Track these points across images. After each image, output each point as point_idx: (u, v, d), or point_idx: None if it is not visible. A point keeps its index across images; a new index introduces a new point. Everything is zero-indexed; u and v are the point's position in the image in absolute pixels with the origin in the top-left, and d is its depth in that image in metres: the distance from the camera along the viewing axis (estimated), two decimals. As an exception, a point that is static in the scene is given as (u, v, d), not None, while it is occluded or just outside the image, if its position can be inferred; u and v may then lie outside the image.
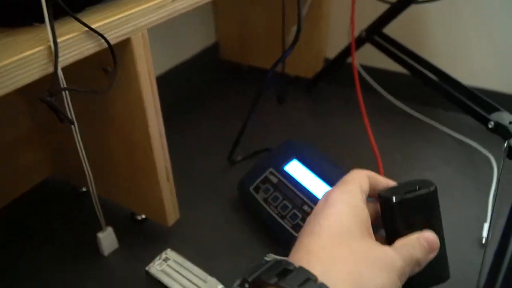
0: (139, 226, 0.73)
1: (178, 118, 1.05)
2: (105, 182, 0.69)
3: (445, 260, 0.44)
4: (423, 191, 0.38)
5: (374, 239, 0.35)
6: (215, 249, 0.69)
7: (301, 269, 0.30)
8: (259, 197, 0.71)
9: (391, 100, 1.04)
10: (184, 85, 1.19)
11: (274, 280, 0.30)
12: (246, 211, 0.76)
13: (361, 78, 1.07)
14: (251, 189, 0.73)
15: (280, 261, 0.32)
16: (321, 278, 0.30)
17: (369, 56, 1.06)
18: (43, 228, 0.73)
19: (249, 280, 0.31)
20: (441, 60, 0.90)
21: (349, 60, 0.94)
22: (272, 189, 0.70)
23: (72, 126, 0.52)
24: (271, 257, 0.65)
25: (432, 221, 0.40)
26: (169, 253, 0.61)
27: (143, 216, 0.73)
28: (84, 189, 0.79)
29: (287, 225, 0.66)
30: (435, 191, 0.39)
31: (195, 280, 0.58)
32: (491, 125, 0.60)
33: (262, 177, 0.72)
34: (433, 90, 0.69)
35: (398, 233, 0.37)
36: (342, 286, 0.30)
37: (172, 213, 0.65)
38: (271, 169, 0.72)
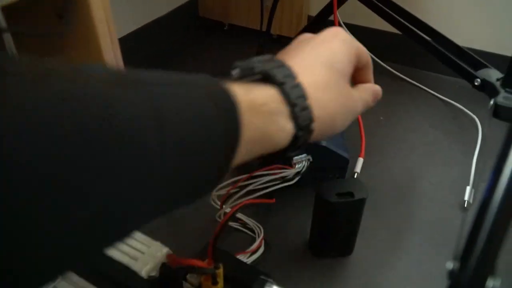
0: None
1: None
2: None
3: (354, 239, 0.58)
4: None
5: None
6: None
7: (301, 86, 0.32)
8: None
9: (375, 60, 1.00)
10: (161, 42, 1.14)
11: (281, 80, 0.31)
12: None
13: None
14: None
15: (283, 65, 0.33)
16: (310, 99, 0.32)
17: (353, 14, 1.01)
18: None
19: (256, 71, 0.32)
20: (428, 18, 0.86)
21: (332, 17, 0.90)
22: None
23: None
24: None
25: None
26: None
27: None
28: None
29: None
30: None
31: (138, 245, 0.53)
32: (477, 82, 0.57)
33: None
34: (419, 46, 0.65)
35: None
36: (322, 112, 0.33)
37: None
38: None
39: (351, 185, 0.52)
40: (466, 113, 0.87)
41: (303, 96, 0.32)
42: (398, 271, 0.57)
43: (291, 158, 0.57)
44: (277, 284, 0.43)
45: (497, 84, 0.55)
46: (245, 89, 0.30)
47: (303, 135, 0.33)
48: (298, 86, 0.33)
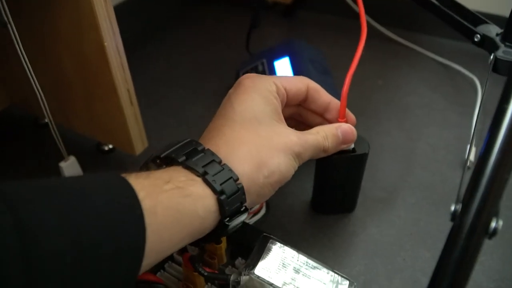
0: (106, 157, 0.69)
1: (147, 47, 0.99)
2: (65, 111, 0.64)
3: (356, 197, 0.58)
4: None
5: (285, 123, 0.38)
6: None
7: (208, 151, 0.32)
8: None
9: (373, 25, 0.99)
10: (153, 10, 1.12)
11: (182, 158, 0.31)
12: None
13: (342, 3, 1.01)
14: (240, 73, 0.75)
15: (191, 141, 0.34)
16: (225, 159, 0.32)
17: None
18: (1, 161, 0.69)
19: (161, 156, 0.32)
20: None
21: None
22: None
23: (9, 28, 0.46)
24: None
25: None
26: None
27: (110, 146, 0.69)
28: (46, 120, 0.73)
29: None
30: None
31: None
32: (477, 38, 0.56)
33: (253, 65, 0.74)
34: (417, 4, 0.64)
35: None
36: (242, 166, 0.33)
37: (139, 141, 0.61)
38: (263, 60, 0.73)
39: None
40: (465, 74, 0.86)
41: (212, 161, 0.31)
42: (397, 229, 0.58)
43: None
44: (280, 241, 0.43)
45: (497, 39, 0.54)
46: (145, 174, 0.29)
47: (230, 196, 0.31)
48: (204, 155, 0.31)
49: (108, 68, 0.51)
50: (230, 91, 0.39)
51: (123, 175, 0.28)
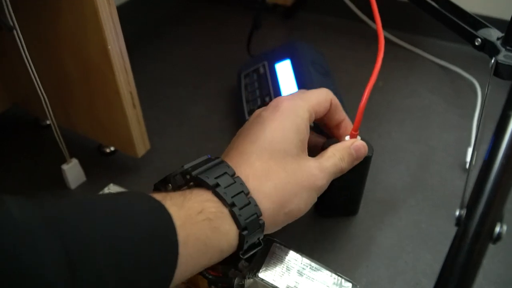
0: (108, 159, 0.69)
1: (148, 46, 0.99)
2: (68, 113, 0.64)
3: (359, 199, 0.57)
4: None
5: (307, 154, 0.38)
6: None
7: (238, 179, 0.32)
8: (243, 82, 0.74)
9: (374, 28, 0.99)
10: (155, 10, 1.12)
11: (213, 182, 0.31)
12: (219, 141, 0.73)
13: (343, 5, 1.01)
14: (242, 74, 0.76)
15: (222, 163, 0.34)
16: (252, 192, 0.32)
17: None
18: (2, 163, 0.69)
19: (192, 174, 0.32)
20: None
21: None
22: (255, 77, 0.72)
23: (15, 32, 0.46)
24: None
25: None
26: (112, 187, 0.57)
27: (112, 149, 0.69)
28: (48, 122, 0.74)
29: (246, 108, 0.69)
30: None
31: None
32: (478, 42, 0.56)
33: (254, 67, 0.74)
34: (418, 8, 0.64)
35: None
36: (267, 202, 0.33)
37: (141, 143, 0.61)
38: (264, 62, 0.73)
39: None
40: (465, 77, 0.87)
41: (241, 192, 0.31)
42: (399, 231, 0.58)
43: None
44: (283, 244, 0.43)
45: (498, 43, 0.54)
46: (180, 202, 0.29)
47: (251, 233, 0.32)
48: (235, 183, 0.31)
49: (111, 71, 0.51)
50: (264, 112, 0.38)
51: (156, 196, 0.28)
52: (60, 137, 0.57)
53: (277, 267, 0.40)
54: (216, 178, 0.31)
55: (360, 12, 1.01)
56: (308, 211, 0.60)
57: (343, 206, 0.58)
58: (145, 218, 0.26)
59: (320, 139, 0.47)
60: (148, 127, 0.61)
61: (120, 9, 0.51)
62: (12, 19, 0.45)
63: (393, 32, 0.99)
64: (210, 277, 0.41)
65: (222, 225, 0.30)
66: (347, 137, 0.44)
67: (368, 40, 0.99)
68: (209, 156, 0.35)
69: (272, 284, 0.39)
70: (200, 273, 0.41)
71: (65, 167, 0.60)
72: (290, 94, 0.41)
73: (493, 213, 0.28)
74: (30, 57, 0.49)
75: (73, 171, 0.61)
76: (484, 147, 0.38)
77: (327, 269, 0.42)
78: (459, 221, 0.29)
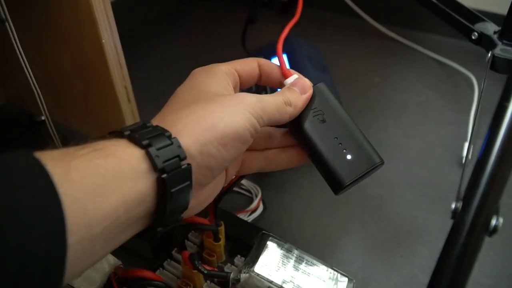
0: (103, 155, 0.69)
1: (143, 43, 0.98)
2: (63, 108, 0.64)
3: (370, 148, 0.41)
4: None
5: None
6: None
7: (158, 128, 0.27)
8: None
9: (370, 23, 0.99)
10: (151, 7, 1.11)
11: (125, 131, 0.26)
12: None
13: (341, 0, 1.01)
14: None
15: (140, 124, 0.28)
16: (171, 128, 0.27)
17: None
18: None
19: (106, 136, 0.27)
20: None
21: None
22: None
23: (7, 25, 0.45)
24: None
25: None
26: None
27: (107, 144, 0.69)
28: (43, 117, 0.73)
29: None
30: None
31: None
32: (474, 36, 0.56)
33: None
34: (415, 1, 0.64)
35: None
36: (190, 130, 0.28)
37: (136, 138, 0.60)
38: (261, 57, 0.70)
39: None
40: (461, 72, 0.87)
41: (160, 133, 0.26)
42: (395, 226, 0.58)
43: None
44: (279, 238, 0.43)
45: (494, 37, 0.54)
46: (58, 149, 0.24)
47: (163, 149, 0.26)
48: (151, 129, 0.27)
49: (105, 65, 0.51)
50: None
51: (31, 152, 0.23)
52: (55, 132, 0.57)
53: (273, 262, 0.40)
54: (131, 130, 0.27)
55: (356, 7, 1.01)
56: (302, 205, 0.61)
57: (352, 162, 0.41)
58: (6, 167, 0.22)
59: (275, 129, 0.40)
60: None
61: (116, 5, 0.50)
62: (4, 11, 0.45)
63: (390, 27, 0.99)
64: (206, 271, 0.40)
65: (117, 150, 0.25)
66: (285, 81, 0.39)
67: (364, 35, 0.99)
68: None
69: (267, 278, 0.38)
70: (196, 268, 0.41)
71: (60, 162, 0.59)
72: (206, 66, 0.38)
73: (489, 206, 0.28)
74: (24, 52, 0.49)
75: (68, 167, 0.60)
76: (481, 142, 0.38)
77: (323, 264, 0.42)
78: (455, 213, 0.29)
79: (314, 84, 0.40)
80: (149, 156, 0.25)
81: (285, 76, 0.39)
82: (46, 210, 0.20)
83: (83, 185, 0.22)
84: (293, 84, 0.37)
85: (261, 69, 0.39)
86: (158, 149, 0.25)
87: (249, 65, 0.38)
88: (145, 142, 0.25)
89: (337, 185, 0.40)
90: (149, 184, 0.25)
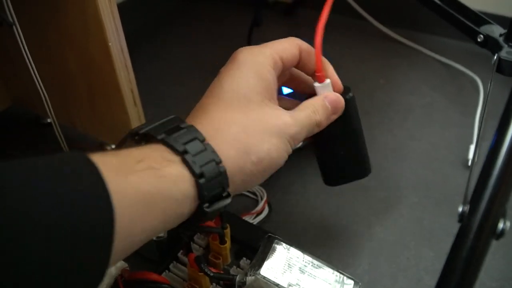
0: (109, 157, 0.69)
1: (148, 44, 0.98)
2: (69, 111, 0.64)
3: (365, 156, 0.48)
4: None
5: (277, 103, 0.35)
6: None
7: (191, 128, 0.29)
8: None
9: (375, 25, 0.99)
10: (155, 8, 1.12)
11: (161, 136, 0.28)
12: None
13: (343, 2, 1.01)
14: None
15: (175, 118, 0.31)
16: (209, 139, 0.29)
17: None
18: (3, 161, 0.68)
19: (140, 132, 0.29)
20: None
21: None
22: None
23: (14, 28, 0.46)
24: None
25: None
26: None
27: (113, 146, 0.69)
28: (49, 120, 0.73)
29: None
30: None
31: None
32: (480, 38, 0.56)
33: None
34: (421, 4, 0.64)
35: None
36: (228, 149, 0.30)
37: (142, 141, 0.61)
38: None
39: None
40: (467, 74, 0.86)
41: (195, 138, 0.28)
42: (401, 228, 0.58)
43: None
44: (285, 241, 0.43)
45: (500, 39, 0.54)
46: (115, 152, 0.26)
47: (210, 180, 0.28)
48: (186, 130, 0.29)
49: (112, 68, 0.51)
50: (222, 68, 0.35)
51: (88, 154, 0.24)
52: (61, 135, 0.57)
53: (278, 265, 0.40)
54: (165, 131, 0.28)
55: (360, 9, 1.01)
56: (308, 208, 0.61)
57: (348, 168, 0.48)
58: (55, 169, 0.23)
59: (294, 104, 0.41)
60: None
61: (121, 7, 0.50)
62: (11, 15, 0.45)
63: (395, 29, 0.99)
64: (212, 274, 0.40)
65: (170, 173, 0.26)
66: (316, 83, 0.40)
67: (368, 37, 0.99)
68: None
69: (273, 281, 0.39)
70: (202, 271, 0.41)
71: (66, 165, 0.59)
72: (250, 47, 0.37)
73: (496, 209, 0.28)
74: (31, 54, 0.49)
75: (74, 169, 0.60)
76: (486, 144, 0.38)
77: (329, 267, 0.42)
78: (462, 217, 0.29)
79: (345, 94, 0.42)
80: (198, 186, 0.27)
81: (318, 79, 0.39)
82: (99, 218, 0.22)
83: (135, 203, 0.24)
84: (328, 100, 0.38)
85: (301, 55, 0.39)
86: (209, 181, 0.28)
87: (292, 53, 0.38)
88: (198, 170, 0.27)
89: (328, 182, 0.49)
90: (192, 208, 0.28)
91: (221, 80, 0.34)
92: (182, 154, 0.27)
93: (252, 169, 0.31)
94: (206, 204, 0.28)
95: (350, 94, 0.43)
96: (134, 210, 0.24)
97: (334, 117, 0.39)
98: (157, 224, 0.26)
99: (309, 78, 0.42)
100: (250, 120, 0.31)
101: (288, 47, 0.37)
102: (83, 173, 0.23)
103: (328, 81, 0.40)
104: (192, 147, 0.27)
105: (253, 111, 0.32)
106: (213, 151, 0.28)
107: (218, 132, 0.30)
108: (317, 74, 0.39)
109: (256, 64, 0.34)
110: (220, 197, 0.29)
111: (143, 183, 0.25)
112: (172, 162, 0.27)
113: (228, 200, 0.30)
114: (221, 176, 0.28)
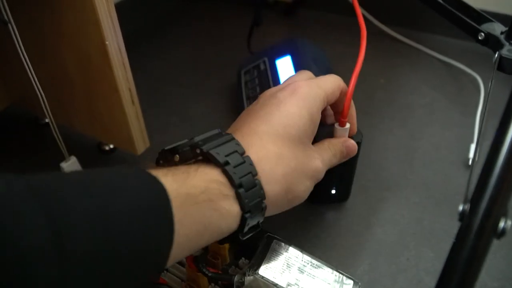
0: (107, 156, 0.69)
1: (148, 44, 0.98)
2: (66, 111, 0.64)
3: (350, 186, 0.58)
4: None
5: (311, 142, 0.38)
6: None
7: (248, 159, 0.31)
8: (243, 79, 0.73)
9: (375, 23, 0.99)
10: (155, 8, 1.11)
11: (223, 160, 0.30)
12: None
13: (343, 1, 1.01)
14: (242, 72, 0.75)
15: (232, 139, 0.32)
16: (261, 175, 0.31)
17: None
18: (1, 161, 0.68)
19: (203, 149, 0.31)
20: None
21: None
22: (255, 74, 0.72)
23: (10, 27, 0.45)
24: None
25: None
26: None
27: (111, 146, 0.69)
28: (46, 120, 0.73)
29: (246, 105, 0.69)
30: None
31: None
32: (481, 36, 0.56)
33: (255, 64, 0.74)
34: (421, 2, 0.63)
35: None
36: (273, 187, 0.32)
37: (140, 140, 0.60)
38: (265, 58, 0.73)
39: None
40: (467, 73, 0.86)
41: (249, 173, 0.30)
42: (401, 228, 0.57)
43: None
44: (284, 241, 0.43)
45: (502, 37, 0.54)
46: (182, 179, 0.28)
47: (253, 216, 0.31)
48: (244, 163, 0.31)
49: (109, 67, 0.51)
50: (281, 94, 0.37)
51: (156, 171, 0.27)
52: (59, 135, 0.57)
53: (277, 264, 0.40)
54: (226, 156, 0.30)
55: (361, 8, 1.00)
56: (307, 208, 0.60)
57: (335, 192, 0.58)
58: (137, 192, 0.25)
59: None
60: (148, 125, 0.61)
61: (120, 7, 0.50)
62: (7, 13, 0.45)
63: (395, 28, 0.98)
64: (210, 274, 0.40)
65: (224, 207, 0.29)
66: (336, 125, 0.44)
67: (369, 36, 0.98)
68: (219, 131, 0.34)
69: (272, 281, 0.38)
70: (200, 271, 0.40)
71: (64, 165, 0.59)
72: (306, 79, 0.40)
73: (497, 208, 0.27)
74: (28, 54, 0.49)
75: (71, 169, 0.60)
76: (487, 143, 0.38)
77: (328, 266, 0.41)
78: (462, 216, 0.28)
79: (357, 138, 0.47)
80: (242, 222, 0.30)
81: (341, 123, 0.44)
82: (160, 245, 0.25)
83: (190, 232, 0.27)
84: (346, 145, 0.42)
85: (338, 100, 0.42)
86: (252, 216, 0.31)
87: (335, 97, 0.41)
88: (247, 207, 0.30)
89: (313, 200, 0.57)
90: (232, 231, 0.31)
91: (281, 110, 0.35)
92: (237, 187, 0.30)
93: (283, 205, 0.35)
94: (241, 233, 0.32)
95: (361, 137, 0.48)
96: (187, 238, 0.27)
97: (344, 160, 0.43)
98: (201, 244, 0.30)
99: (331, 113, 0.46)
100: (296, 161, 0.34)
101: (336, 90, 0.40)
102: (156, 205, 0.26)
103: (348, 126, 0.44)
104: (246, 182, 0.30)
105: (299, 153, 0.35)
106: (261, 189, 0.31)
107: (270, 168, 0.33)
108: (341, 119, 0.43)
109: (313, 106, 0.36)
110: (253, 228, 0.33)
111: (200, 215, 0.28)
112: (227, 197, 0.30)
113: (258, 229, 0.34)
114: (262, 211, 0.32)
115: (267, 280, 0.38)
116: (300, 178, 0.35)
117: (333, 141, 0.41)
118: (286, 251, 0.41)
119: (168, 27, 1.06)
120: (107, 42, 0.49)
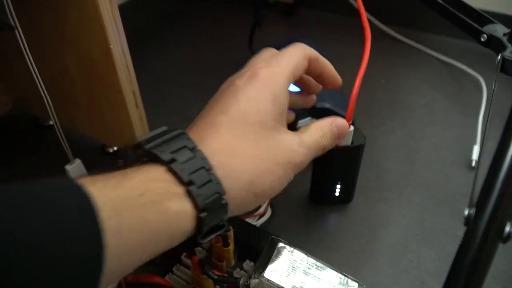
0: (111, 159, 0.69)
1: (149, 45, 0.98)
2: (71, 113, 0.64)
3: (353, 188, 0.59)
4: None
5: (286, 126, 0.34)
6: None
7: (199, 153, 0.28)
8: None
9: (376, 24, 0.99)
10: (156, 9, 1.11)
11: (168, 157, 0.27)
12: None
13: (344, 1, 1.01)
14: None
15: (182, 135, 0.29)
16: (217, 169, 0.28)
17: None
18: (5, 163, 0.68)
19: (145, 148, 0.28)
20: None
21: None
22: None
23: (16, 32, 0.45)
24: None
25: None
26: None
27: (115, 148, 0.69)
28: (50, 122, 0.73)
29: None
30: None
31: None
32: (483, 38, 0.56)
33: None
34: (424, 3, 0.63)
35: None
36: (233, 181, 0.29)
37: (144, 143, 0.60)
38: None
39: None
40: (469, 73, 0.86)
41: (202, 167, 0.27)
42: (403, 229, 0.58)
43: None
44: (288, 244, 0.43)
45: (504, 39, 0.54)
46: (115, 183, 0.25)
47: (211, 214, 0.27)
48: (194, 157, 0.28)
49: (113, 70, 0.51)
50: (239, 81, 0.33)
51: (83, 179, 0.23)
52: (63, 137, 0.57)
53: (282, 267, 0.40)
54: (172, 152, 0.27)
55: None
56: (311, 210, 0.61)
57: (338, 194, 0.59)
58: (51, 208, 0.22)
59: (290, 116, 0.42)
60: (149, 125, 0.61)
61: (121, 8, 0.50)
62: (13, 18, 0.45)
63: (396, 28, 0.98)
64: (216, 277, 0.40)
65: (172, 208, 0.26)
66: None
67: (371, 37, 0.98)
68: (167, 128, 0.31)
69: (278, 284, 0.38)
70: (205, 273, 0.40)
71: (68, 167, 0.59)
72: (268, 57, 0.36)
73: (503, 212, 0.28)
74: (32, 57, 0.49)
75: (76, 171, 0.60)
76: (490, 145, 0.38)
77: (333, 269, 0.41)
78: (468, 220, 0.29)
79: (361, 140, 0.49)
80: (200, 223, 0.27)
81: (347, 119, 0.42)
82: (87, 262, 0.21)
83: (129, 241, 0.23)
84: (335, 124, 0.38)
85: (309, 64, 0.39)
86: (210, 216, 0.27)
87: (303, 68, 0.37)
88: (201, 204, 0.26)
89: (315, 200, 0.58)
90: (186, 237, 0.28)
91: (238, 97, 0.32)
92: (187, 184, 0.26)
93: (252, 200, 0.31)
94: (200, 236, 0.28)
95: (364, 140, 0.50)
96: (126, 248, 0.24)
97: (337, 141, 0.39)
98: (146, 256, 0.26)
99: (314, 83, 0.44)
100: (260, 150, 0.31)
101: (300, 61, 0.36)
102: (79, 210, 0.22)
103: (352, 128, 0.45)
104: (198, 177, 0.27)
105: (264, 140, 0.31)
106: (218, 183, 0.28)
107: (227, 160, 0.29)
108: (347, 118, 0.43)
109: (275, 87, 0.33)
110: (216, 229, 0.29)
111: (140, 220, 0.24)
112: (175, 195, 0.26)
113: (222, 230, 0.30)
114: (223, 209, 0.28)
115: (273, 282, 0.38)
116: (268, 167, 0.31)
117: (320, 122, 0.38)
118: (291, 254, 0.41)
119: (168, 27, 1.06)
120: (111, 46, 0.49)
